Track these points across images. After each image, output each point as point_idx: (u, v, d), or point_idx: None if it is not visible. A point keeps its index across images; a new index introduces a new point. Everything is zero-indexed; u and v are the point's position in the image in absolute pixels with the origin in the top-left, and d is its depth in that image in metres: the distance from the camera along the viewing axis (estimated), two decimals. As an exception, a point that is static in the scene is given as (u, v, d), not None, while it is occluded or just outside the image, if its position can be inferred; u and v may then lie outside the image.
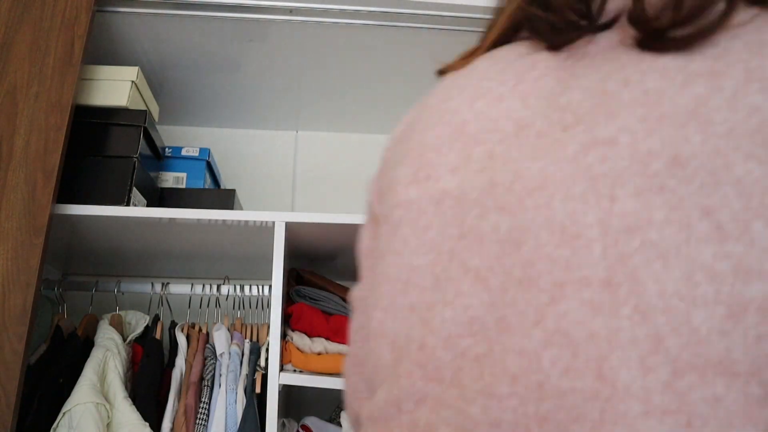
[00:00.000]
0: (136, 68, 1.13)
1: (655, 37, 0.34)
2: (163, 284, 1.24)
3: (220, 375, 1.07)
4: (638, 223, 0.30)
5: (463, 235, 0.36)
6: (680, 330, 0.27)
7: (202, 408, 1.03)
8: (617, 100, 0.33)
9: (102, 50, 1.21)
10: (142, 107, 1.17)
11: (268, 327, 1.07)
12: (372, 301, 0.42)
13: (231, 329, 1.16)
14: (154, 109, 1.25)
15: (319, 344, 1.08)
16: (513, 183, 0.35)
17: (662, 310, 0.28)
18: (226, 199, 1.26)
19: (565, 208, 0.32)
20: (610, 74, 0.35)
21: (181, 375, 1.08)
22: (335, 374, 1.06)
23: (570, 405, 0.28)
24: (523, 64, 0.41)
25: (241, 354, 1.10)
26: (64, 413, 0.91)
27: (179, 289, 1.24)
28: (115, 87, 1.11)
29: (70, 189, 1.01)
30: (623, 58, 0.35)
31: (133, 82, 1.12)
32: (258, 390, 1.06)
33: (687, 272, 0.28)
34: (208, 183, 1.36)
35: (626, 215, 0.30)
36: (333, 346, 1.09)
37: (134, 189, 1.07)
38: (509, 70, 0.41)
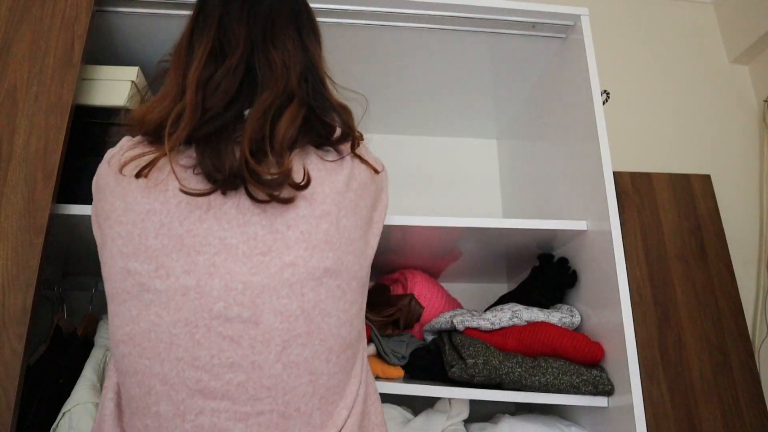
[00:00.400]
0: (136, 68, 1.13)
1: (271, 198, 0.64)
2: (163, 284, 1.23)
3: (220, 375, 1.07)
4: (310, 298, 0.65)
5: None
6: None
7: (202, 408, 1.03)
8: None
9: (102, 50, 1.21)
10: (142, 107, 1.16)
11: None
12: None
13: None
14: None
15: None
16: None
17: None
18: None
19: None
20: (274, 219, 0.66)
21: (181, 375, 1.08)
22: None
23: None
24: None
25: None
26: (63, 413, 0.91)
27: (179, 289, 1.23)
28: (114, 87, 1.11)
29: (70, 189, 1.01)
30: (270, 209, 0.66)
31: (133, 82, 1.12)
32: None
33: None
34: (208, 183, 1.35)
35: (309, 299, 0.64)
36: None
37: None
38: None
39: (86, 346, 1.07)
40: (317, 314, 0.64)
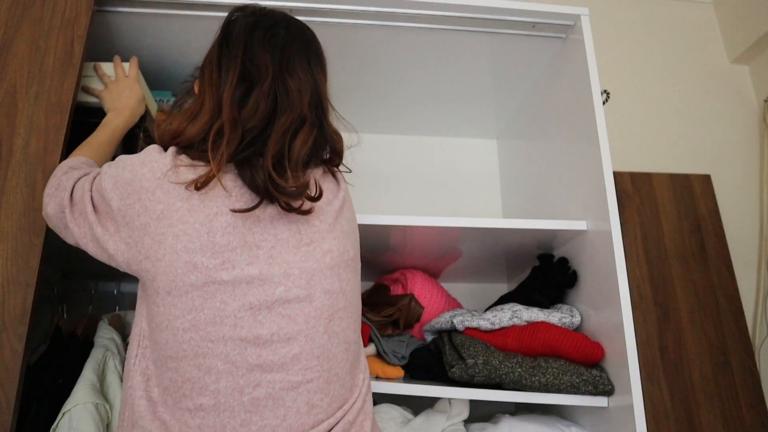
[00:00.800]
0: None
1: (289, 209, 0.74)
2: (163, 284, 1.23)
3: (220, 375, 1.07)
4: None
5: None
6: None
7: (202, 408, 1.03)
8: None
9: (102, 50, 1.21)
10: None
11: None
12: None
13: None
14: (154, 109, 1.25)
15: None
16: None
17: None
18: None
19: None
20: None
21: (181, 375, 1.08)
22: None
23: None
24: None
25: (241, 354, 1.10)
26: (63, 413, 0.91)
27: (179, 289, 1.23)
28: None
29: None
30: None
31: (133, 81, 1.12)
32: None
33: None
34: (208, 183, 1.35)
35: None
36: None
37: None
38: None
39: (86, 346, 1.07)
40: (349, 291, 0.79)
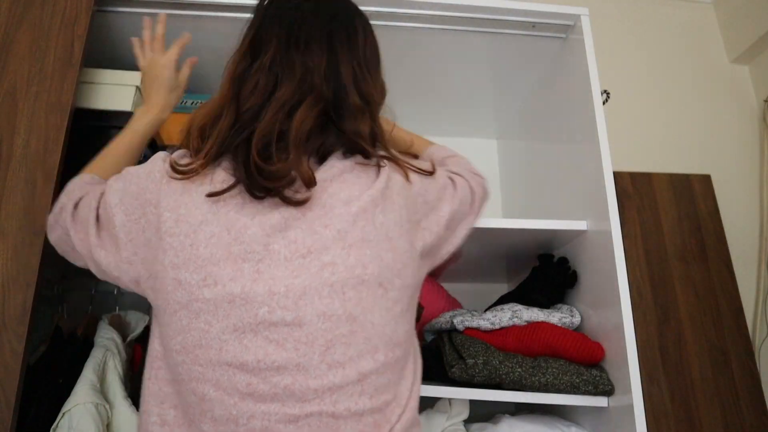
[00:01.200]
0: (140, 73, 1.12)
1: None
2: (163, 284, 1.23)
3: (220, 375, 1.07)
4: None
5: None
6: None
7: (202, 408, 1.03)
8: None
9: (102, 51, 1.21)
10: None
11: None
12: None
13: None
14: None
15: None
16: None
17: None
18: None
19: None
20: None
21: (181, 375, 1.08)
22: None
23: None
24: None
25: (241, 354, 1.10)
26: (63, 413, 0.91)
27: (179, 289, 1.23)
28: (119, 91, 1.11)
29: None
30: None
31: (137, 87, 1.11)
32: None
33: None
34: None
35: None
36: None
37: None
38: None
39: (86, 346, 1.06)
40: (360, 313, 0.64)
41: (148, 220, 0.68)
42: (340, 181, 0.68)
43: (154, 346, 0.69)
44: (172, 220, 0.65)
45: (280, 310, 0.62)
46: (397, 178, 0.72)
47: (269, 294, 0.62)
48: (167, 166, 0.69)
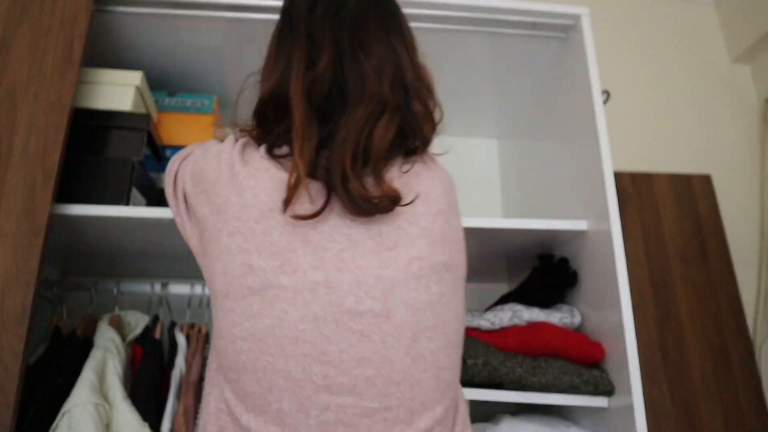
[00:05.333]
0: (140, 73, 1.12)
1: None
2: (162, 284, 1.24)
3: (220, 375, 1.07)
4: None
5: None
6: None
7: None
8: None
9: (102, 51, 1.21)
10: (144, 110, 1.16)
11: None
12: None
13: (231, 329, 1.16)
14: (153, 109, 1.25)
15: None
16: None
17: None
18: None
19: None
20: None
21: (181, 375, 1.08)
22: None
23: None
24: None
25: (240, 354, 1.10)
26: (63, 414, 0.91)
27: (179, 289, 1.24)
28: (118, 91, 1.10)
29: (70, 189, 1.01)
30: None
31: (137, 87, 1.11)
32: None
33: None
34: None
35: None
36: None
37: (134, 189, 1.07)
38: None
39: (86, 346, 1.06)
40: (441, 308, 0.65)
41: (208, 198, 0.67)
42: (415, 177, 0.71)
43: (215, 340, 0.67)
44: (239, 205, 0.64)
45: (369, 300, 0.61)
46: (449, 178, 0.78)
47: (356, 283, 0.61)
48: (243, 164, 0.67)
